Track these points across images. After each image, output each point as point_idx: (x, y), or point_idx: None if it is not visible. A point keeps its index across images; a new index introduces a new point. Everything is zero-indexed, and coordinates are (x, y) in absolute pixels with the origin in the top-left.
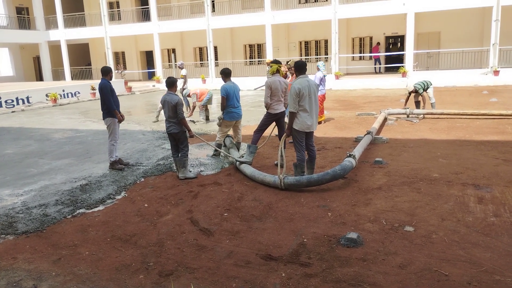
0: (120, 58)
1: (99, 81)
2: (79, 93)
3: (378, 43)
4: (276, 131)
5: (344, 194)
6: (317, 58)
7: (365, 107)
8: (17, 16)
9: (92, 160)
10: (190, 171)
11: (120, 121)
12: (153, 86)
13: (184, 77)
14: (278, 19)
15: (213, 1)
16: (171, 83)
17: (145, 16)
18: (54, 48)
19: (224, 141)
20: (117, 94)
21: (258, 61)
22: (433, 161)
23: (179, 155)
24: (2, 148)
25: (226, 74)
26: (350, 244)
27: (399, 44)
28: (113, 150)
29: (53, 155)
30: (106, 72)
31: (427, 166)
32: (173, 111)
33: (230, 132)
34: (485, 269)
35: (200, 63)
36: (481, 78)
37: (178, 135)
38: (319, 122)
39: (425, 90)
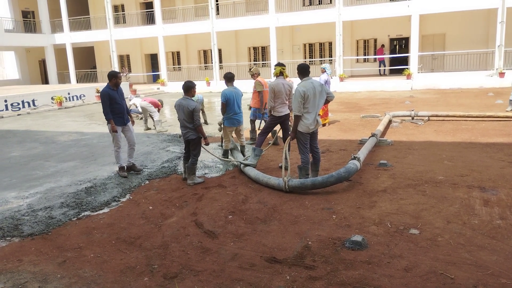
0: (125, 61)
1: (104, 84)
2: (84, 96)
3: (383, 45)
4: (280, 134)
5: (348, 196)
6: (321, 60)
7: (370, 109)
8: (23, 20)
9: (97, 163)
10: (198, 177)
11: (113, 131)
12: (158, 88)
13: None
14: (282, 21)
15: (217, 4)
16: (188, 87)
17: (150, 19)
18: (60, 51)
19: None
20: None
21: (263, 63)
22: (438, 163)
23: (189, 161)
24: (8, 151)
25: (228, 78)
26: (355, 247)
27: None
28: (117, 156)
29: (58, 158)
30: (109, 78)
31: (432, 168)
32: (190, 117)
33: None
34: (491, 272)
35: (205, 66)
36: (486, 80)
37: (195, 141)
38: (323, 125)
39: None
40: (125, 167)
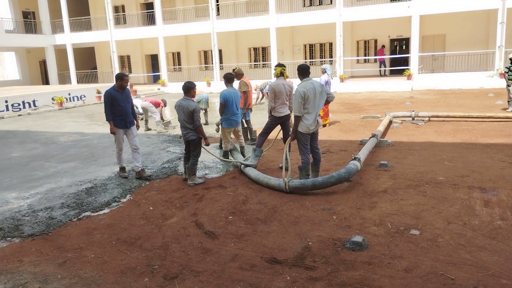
0: (125, 62)
1: (105, 84)
2: (84, 96)
3: (383, 46)
4: (281, 135)
5: (349, 197)
6: (322, 61)
7: (370, 110)
8: (24, 21)
9: (98, 163)
10: (198, 177)
11: (111, 132)
12: (158, 89)
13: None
14: (282, 22)
15: (218, 5)
16: (188, 88)
17: (150, 20)
18: (60, 52)
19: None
20: None
21: (263, 64)
22: (439, 164)
23: (190, 162)
24: (9, 151)
25: (228, 79)
26: (356, 247)
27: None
28: (118, 157)
29: (58, 158)
30: (115, 79)
31: (432, 169)
32: (190, 118)
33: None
34: (491, 273)
35: (205, 66)
36: (486, 81)
37: (195, 142)
38: (324, 125)
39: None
40: (136, 172)
